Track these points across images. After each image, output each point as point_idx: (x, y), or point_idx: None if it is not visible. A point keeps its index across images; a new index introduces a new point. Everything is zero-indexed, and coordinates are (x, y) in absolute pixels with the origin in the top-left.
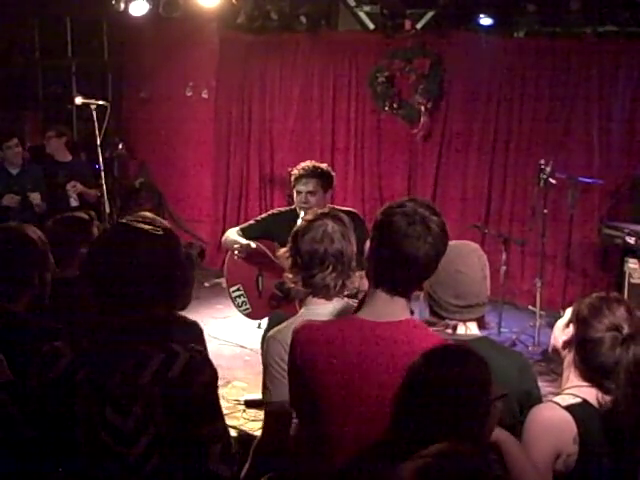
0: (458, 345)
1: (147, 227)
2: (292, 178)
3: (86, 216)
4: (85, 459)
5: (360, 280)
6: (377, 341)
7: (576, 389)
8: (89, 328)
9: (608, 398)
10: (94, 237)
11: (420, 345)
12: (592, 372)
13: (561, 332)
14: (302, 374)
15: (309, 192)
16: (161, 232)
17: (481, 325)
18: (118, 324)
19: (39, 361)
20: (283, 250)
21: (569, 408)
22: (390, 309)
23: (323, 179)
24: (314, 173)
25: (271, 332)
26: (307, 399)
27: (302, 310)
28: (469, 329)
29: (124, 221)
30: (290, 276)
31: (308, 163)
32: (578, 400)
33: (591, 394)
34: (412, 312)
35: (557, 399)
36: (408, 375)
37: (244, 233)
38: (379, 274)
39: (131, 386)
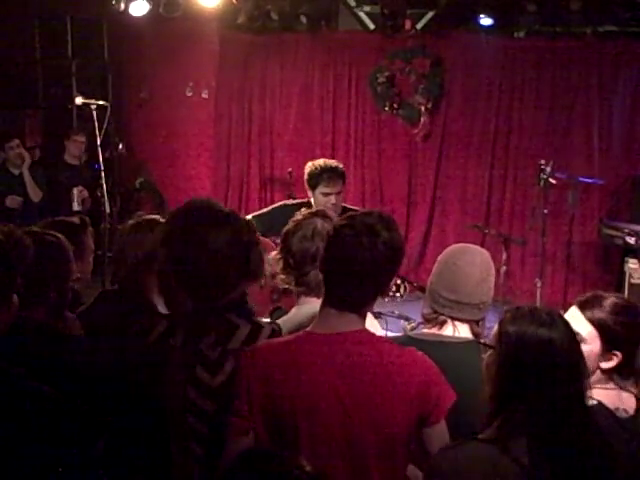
0: None
1: (215, 212)
2: (310, 178)
3: (78, 221)
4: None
5: None
6: (328, 354)
7: (595, 391)
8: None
9: (632, 403)
10: (86, 246)
11: (370, 354)
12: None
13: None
14: (257, 394)
15: (337, 193)
16: (227, 213)
17: (475, 332)
18: (210, 308)
19: (134, 332)
20: (274, 253)
21: None
22: (344, 320)
23: (344, 178)
24: (340, 173)
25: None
26: (263, 418)
27: (294, 310)
28: (458, 331)
29: (191, 210)
30: (282, 277)
31: (331, 162)
32: (592, 402)
33: (609, 396)
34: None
35: None
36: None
37: None
38: (329, 289)
39: (222, 347)
